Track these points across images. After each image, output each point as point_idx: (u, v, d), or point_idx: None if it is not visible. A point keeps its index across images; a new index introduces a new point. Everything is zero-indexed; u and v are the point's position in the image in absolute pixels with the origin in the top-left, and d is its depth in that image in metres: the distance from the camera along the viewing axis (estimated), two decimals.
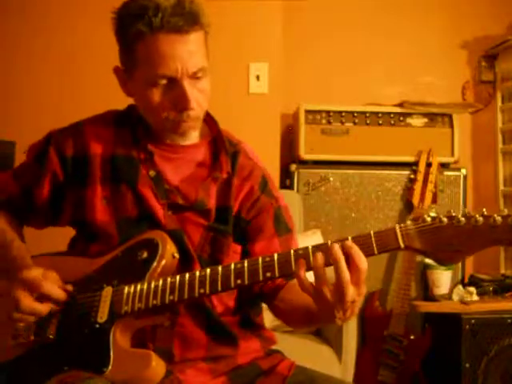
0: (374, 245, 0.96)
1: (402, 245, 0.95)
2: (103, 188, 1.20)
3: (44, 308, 1.09)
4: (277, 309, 1.22)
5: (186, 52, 1.10)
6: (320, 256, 0.95)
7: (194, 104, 1.14)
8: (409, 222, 0.96)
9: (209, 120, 1.29)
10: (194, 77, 1.13)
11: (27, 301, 1.07)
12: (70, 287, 1.12)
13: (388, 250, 0.96)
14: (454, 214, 0.94)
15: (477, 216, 0.92)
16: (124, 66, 1.19)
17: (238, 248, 1.23)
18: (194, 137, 1.25)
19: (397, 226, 0.96)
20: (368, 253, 0.95)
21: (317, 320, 1.07)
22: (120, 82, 1.22)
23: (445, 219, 0.94)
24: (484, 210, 0.93)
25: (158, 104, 1.15)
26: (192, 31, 1.11)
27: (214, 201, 1.21)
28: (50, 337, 1.10)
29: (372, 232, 0.97)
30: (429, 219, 0.95)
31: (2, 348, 1.13)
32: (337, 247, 0.95)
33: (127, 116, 1.27)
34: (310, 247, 0.99)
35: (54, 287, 1.10)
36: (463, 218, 0.93)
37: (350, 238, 0.97)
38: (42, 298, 1.09)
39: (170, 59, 1.10)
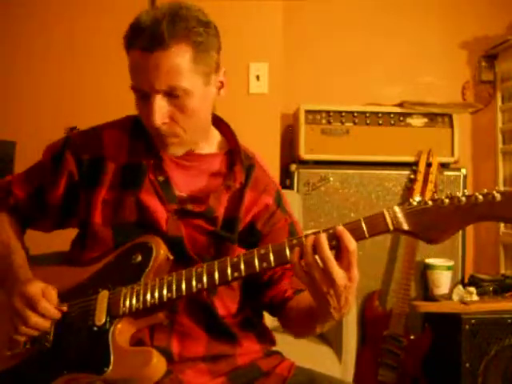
0: (365, 228, 1.00)
1: (392, 227, 1.00)
2: (109, 192, 1.20)
3: (48, 324, 1.11)
4: (285, 318, 1.23)
5: (153, 70, 1.09)
6: (309, 242, 0.99)
7: (159, 121, 1.12)
8: (396, 207, 1.01)
9: (226, 132, 1.30)
10: (171, 94, 1.11)
11: (35, 317, 1.08)
12: (65, 307, 1.12)
13: (378, 232, 1.01)
14: (437, 197, 0.99)
15: (459, 196, 0.98)
16: None
17: (243, 252, 1.23)
18: (205, 147, 1.25)
19: (385, 210, 1.01)
20: (359, 236, 1.00)
21: (316, 316, 1.08)
22: None
23: (430, 202, 0.99)
24: (465, 190, 0.99)
25: (141, 115, 1.17)
26: (160, 50, 1.08)
27: (223, 209, 1.22)
28: (47, 345, 1.10)
29: (362, 218, 1.01)
30: (415, 203, 1.00)
31: None
32: (323, 235, 0.99)
33: (142, 123, 1.27)
34: (304, 235, 1.02)
35: (50, 307, 1.10)
36: (447, 200, 0.98)
37: (341, 224, 1.01)
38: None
39: (138, 74, 1.12)
